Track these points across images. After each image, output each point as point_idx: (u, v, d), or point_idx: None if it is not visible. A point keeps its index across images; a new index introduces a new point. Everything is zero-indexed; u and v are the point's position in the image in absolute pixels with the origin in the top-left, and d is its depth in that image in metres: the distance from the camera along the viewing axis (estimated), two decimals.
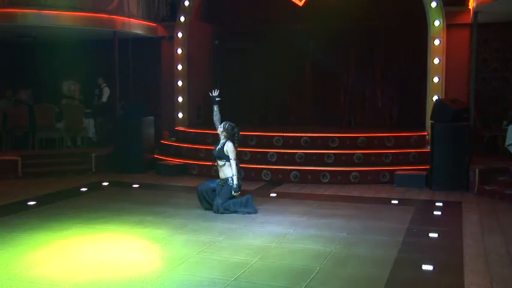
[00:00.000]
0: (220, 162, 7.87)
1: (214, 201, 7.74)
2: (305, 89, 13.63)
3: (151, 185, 10.06)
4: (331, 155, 10.38)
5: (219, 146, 7.87)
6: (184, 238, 6.46)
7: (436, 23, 11.14)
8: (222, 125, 7.95)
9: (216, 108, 8.09)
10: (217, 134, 8.05)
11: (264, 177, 10.33)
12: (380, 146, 10.70)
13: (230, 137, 7.86)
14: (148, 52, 13.71)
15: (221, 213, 7.61)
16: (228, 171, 7.80)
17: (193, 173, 11.01)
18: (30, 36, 12.84)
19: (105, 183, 10.05)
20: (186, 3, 12.84)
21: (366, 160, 10.35)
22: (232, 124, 7.98)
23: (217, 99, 8.10)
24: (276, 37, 13.20)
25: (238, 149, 7.96)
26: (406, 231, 6.77)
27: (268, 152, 10.61)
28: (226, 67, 13.72)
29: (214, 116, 8.09)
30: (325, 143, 10.67)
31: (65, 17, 11.27)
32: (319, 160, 10.37)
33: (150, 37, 13.32)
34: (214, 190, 7.87)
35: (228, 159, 7.76)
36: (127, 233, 6.65)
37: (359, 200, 8.68)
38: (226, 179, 7.79)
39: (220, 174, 7.92)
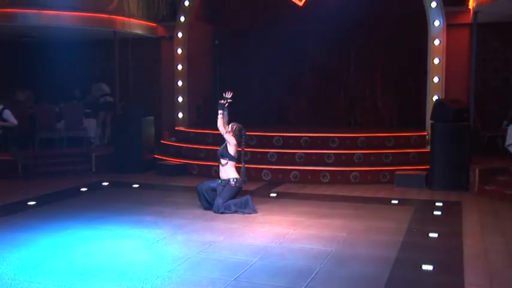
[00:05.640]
0: (223, 161, 7.87)
1: (215, 201, 7.74)
2: (305, 89, 13.63)
3: (151, 185, 10.06)
4: (331, 155, 10.38)
5: (223, 145, 7.87)
6: (184, 238, 6.46)
7: (436, 23, 11.13)
8: (230, 125, 7.92)
9: (225, 111, 7.96)
10: (218, 134, 8.02)
11: (264, 177, 10.33)
12: (380, 146, 10.70)
13: (237, 139, 7.85)
14: (148, 52, 13.70)
15: (221, 212, 7.61)
16: (231, 171, 7.81)
17: (193, 173, 11.01)
18: (30, 36, 12.83)
19: (105, 183, 10.05)
20: (186, 3, 12.84)
21: (366, 160, 10.35)
22: (241, 126, 7.95)
23: (229, 100, 7.92)
24: (276, 37, 13.19)
25: (239, 149, 7.96)
26: (406, 231, 6.77)
27: (268, 152, 10.61)
28: (226, 67, 13.70)
29: (218, 121, 7.87)
30: (325, 143, 10.67)
31: (65, 17, 11.26)
32: (319, 160, 10.37)
33: (150, 37, 13.32)
34: (214, 190, 7.87)
35: (230, 157, 7.76)
36: (127, 233, 6.65)
37: (359, 200, 8.68)
38: (228, 180, 7.80)
39: (221, 174, 7.91)
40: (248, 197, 7.88)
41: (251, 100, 13.64)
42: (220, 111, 7.89)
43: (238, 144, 7.88)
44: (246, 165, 8.01)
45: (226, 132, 7.84)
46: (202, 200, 7.92)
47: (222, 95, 8.05)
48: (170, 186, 9.97)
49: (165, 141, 12.62)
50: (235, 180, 7.78)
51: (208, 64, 13.85)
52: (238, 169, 7.93)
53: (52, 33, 12.66)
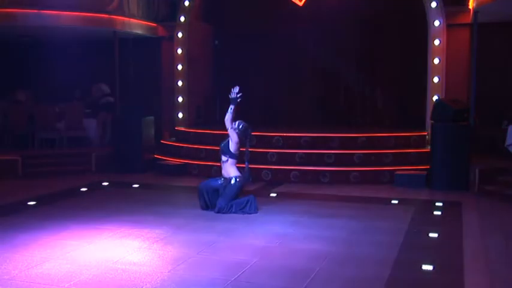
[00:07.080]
0: (223, 158, 7.82)
1: (218, 201, 7.70)
2: (305, 88, 13.62)
3: (151, 185, 10.06)
4: (331, 155, 10.38)
5: (226, 141, 7.82)
6: (184, 238, 6.46)
7: (436, 23, 11.14)
8: (236, 122, 7.82)
9: (232, 107, 7.78)
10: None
11: (264, 177, 10.32)
12: (380, 146, 10.70)
13: (240, 138, 7.77)
14: (148, 52, 13.70)
15: (223, 213, 7.59)
16: (231, 169, 7.77)
17: (193, 173, 11.00)
18: (30, 36, 12.83)
19: (105, 183, 10.05)
20: (186, 3, 12.85)
21: (366, 160, 10.34)
22: (246, 124, 7.87)
23: (239, 95, 7.76)
24: (276, 37, 13.20)
25: (242, 149, 7.89)
26: (406, 231, 6.77)
27: (268, 152, 10.60)
28: (226, 67, 13.71)
29: (227, 115, 7.79)
30: (325, 143, 10.67)
31: (65, 17, 11.27)
32: (319, 160, 10.37)
33: (150, 37, 13.32)
34: (216, 190, 7.81)
35: (230, 155, 7.74)
36: (127, 233, 6.65)
37: (359, 200, 8.68)
38: (230, 179, 7.77)
39: (223, 171, 7.88)
40: (251, 196, 7.84)
41: (251, 100, 13.59)
42: (232, 106, 7.75)
43: (241, 142, 7.78)
44: (249, 166, 7.97)
45: (231, 128, 7.80)
46: (201, 201, 7.89)
47: (230, 90, 7.86)
48: (170, 186, 9.97)
49: (165, 141, 12.62)
50: (236, 179, 7.75)
51: (208, 64, 13.85)
52: (241, 169, 7.89)
53: (52, 33, 12.66)
